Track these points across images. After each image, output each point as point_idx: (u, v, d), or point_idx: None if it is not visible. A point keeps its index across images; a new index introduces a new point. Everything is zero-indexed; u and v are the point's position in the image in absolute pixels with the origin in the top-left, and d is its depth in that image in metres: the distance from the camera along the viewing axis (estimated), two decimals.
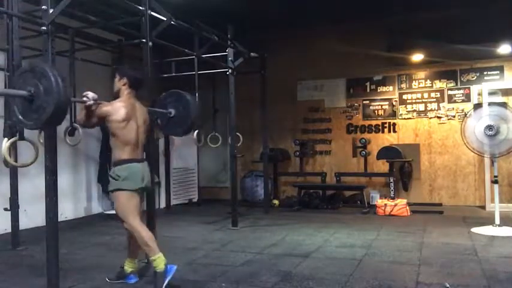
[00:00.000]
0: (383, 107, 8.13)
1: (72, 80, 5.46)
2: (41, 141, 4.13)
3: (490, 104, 5.94)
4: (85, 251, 4.75)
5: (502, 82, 7.39)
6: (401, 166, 7.79)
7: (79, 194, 7.08)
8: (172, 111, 4.01)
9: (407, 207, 6.84)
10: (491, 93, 7.31)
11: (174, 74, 7.39)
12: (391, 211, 6.81)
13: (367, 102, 8.22)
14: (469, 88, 7.61)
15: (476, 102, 7.31)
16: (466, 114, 6.16)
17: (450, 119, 7.73)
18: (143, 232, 3.36)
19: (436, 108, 7.81)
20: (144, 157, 3.64)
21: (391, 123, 8.07)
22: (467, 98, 7.62)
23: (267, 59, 7.41)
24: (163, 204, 8.10)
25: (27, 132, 3.61)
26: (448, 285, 3.31)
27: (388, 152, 7.54)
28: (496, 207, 5.46)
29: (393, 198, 7.06)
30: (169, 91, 4.14)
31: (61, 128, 5.01)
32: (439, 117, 7.80)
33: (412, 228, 5.73)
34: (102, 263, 4.22)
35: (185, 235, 5.60)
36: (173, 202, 8.26)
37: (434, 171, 7.81)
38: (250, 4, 6.32)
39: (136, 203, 3.42)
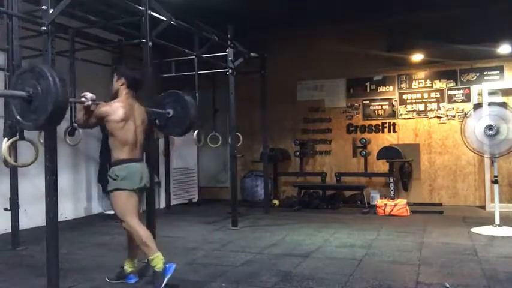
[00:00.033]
0: (383, 107, 8.13)
1: (72, 80, 5.47)
2: (41, 141, 4.13)
3: (490, 104, 5.94)
4: (85, 251, 4.75)
5: (502, 82, 7.39)
6: (401, 166, 7.79)
7: (79, 194, 7.08)
8: (171, 112, 4.02)
9: (407, 207, 6.84)
10: (491, 93, 7.31)
11: (174, 74, 7.40)
12: (391, 211, 6.81)
13: (367, 102, 8.22)
14: (469, 88, 7.61)
15: (476, 102, 7.31)
16: (466, 114, 6.16)
17: (450, 119, 7.73)
18: (141, 231, 3.36)
19: (436, 108, 7.81)
20: (143, 157, 3.64)
21: (391, 123, 8.07)
22: (467, 98, 7.62)
23: (267, 59, 7.41)
24: (163, 204, 8.10)
25: (27, 132, 3.60)
26: (448, 285, 3.31)
27: (388, 152, 7.54)
28: (496, 207, 5.46)
29: (393, 198, 7.06)
30: (167, 91, 4.15)
31: (61, 128, 5.02)
32: (439, 117, 7.80)
33: (412, 228, 5.73)
34: (102, 263, 4.22)
35: (185, 235, 5.60)
36: (173, 202, 8.26)
37: (434, 171, 7.81)
38: (250, 4, 6.32)
39: (135, 203, 3.42)
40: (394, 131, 8.05)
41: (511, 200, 7.24)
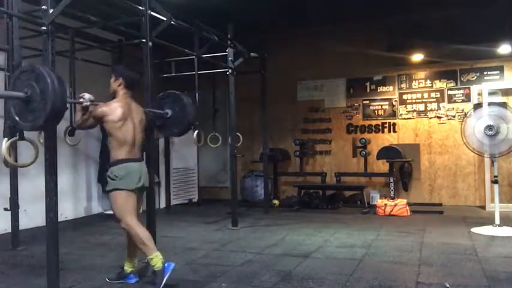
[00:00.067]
0: (383, 107, 8.13)
1: (72, 80, 5.47)
2: (41, 141, 4.13)
3: (490, 104, 5.94)
4: (85, 251, 4.75)
5: (502, 82, 7.39)
6: (401, 166, 7.80)
7: (79, 194, 7.08)
8: (169, 112, 4.02)
9: (407, 207, 6.84)
10: (491, 93, 7.32)
11: (174, 74, 7.40)
12: (391, 211, 6.81)
13: (367, 102, 8.22)
14: (469, 88, 7.61)
15: (476, 102, 7.31)
16: (466, 114, 6.16)
17: (450, 119, 7.73)
18: (140, 231, 3.36)
19: (436, 108, 7.81)
20: (143, 157, 3.64)
21: (391, 123, 8.07)
22: (467, 98, 7.62)
23: (267, 59, 7.41)
24: (163, 204, 8.10)
25: (27, 132, 3.60)
26: (448, 285, 3.31)
27: (388, 152, 7.54)
28: (496, 207, 5.46)
29: (393, 198, 7.06)
30: (165, 92, 4.15)
31: (61, 128, 5.02)
32: (439, 117, 7.80)
33: (412, 228, 5.73)
34: (102, 263, 4.22)
35: (185, 235, 5.60)
36: (173, 202, 8.26)
37: (434, 171, 7.81)
38: (250, 4, 6.31)
39: (133, 203, 3.42)
40: (394, 131, 8.05)
41: (511, 200, 7.24)
